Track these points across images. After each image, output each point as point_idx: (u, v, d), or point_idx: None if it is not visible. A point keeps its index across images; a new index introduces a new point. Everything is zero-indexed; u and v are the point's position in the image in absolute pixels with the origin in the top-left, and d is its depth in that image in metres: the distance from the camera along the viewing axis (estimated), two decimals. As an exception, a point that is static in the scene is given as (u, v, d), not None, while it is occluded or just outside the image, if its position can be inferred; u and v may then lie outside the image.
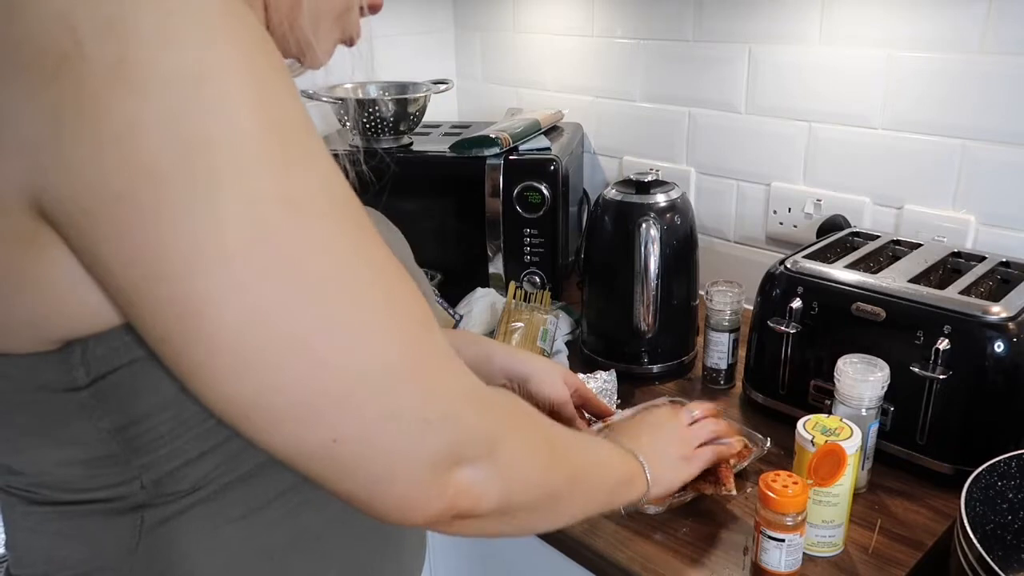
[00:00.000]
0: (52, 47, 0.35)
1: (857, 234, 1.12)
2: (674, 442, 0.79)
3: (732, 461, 0.84)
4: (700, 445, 0.81)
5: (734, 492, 0.82)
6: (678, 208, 1.09)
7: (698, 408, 0.85)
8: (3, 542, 0.54)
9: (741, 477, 0.90)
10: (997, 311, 0.83)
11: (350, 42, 0.57)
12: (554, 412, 0.87)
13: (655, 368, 1.13)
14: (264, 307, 0.37)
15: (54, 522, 0.49)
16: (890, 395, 0.85)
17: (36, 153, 0.36)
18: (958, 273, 0.97)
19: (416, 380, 0.43)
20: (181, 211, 0.36)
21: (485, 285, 1.32)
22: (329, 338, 0.39)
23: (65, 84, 0.35)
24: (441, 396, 0.44)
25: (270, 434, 0.41)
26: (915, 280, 0.93)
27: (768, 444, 0.90)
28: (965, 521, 0.66)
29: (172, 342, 0.38)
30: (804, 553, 0.77)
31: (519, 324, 1.17)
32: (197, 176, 0.36)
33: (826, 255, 1.05)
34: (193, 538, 0.49)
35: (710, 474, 0.82)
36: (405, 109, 1.34)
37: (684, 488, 0.81)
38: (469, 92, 1.80)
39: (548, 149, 1.30)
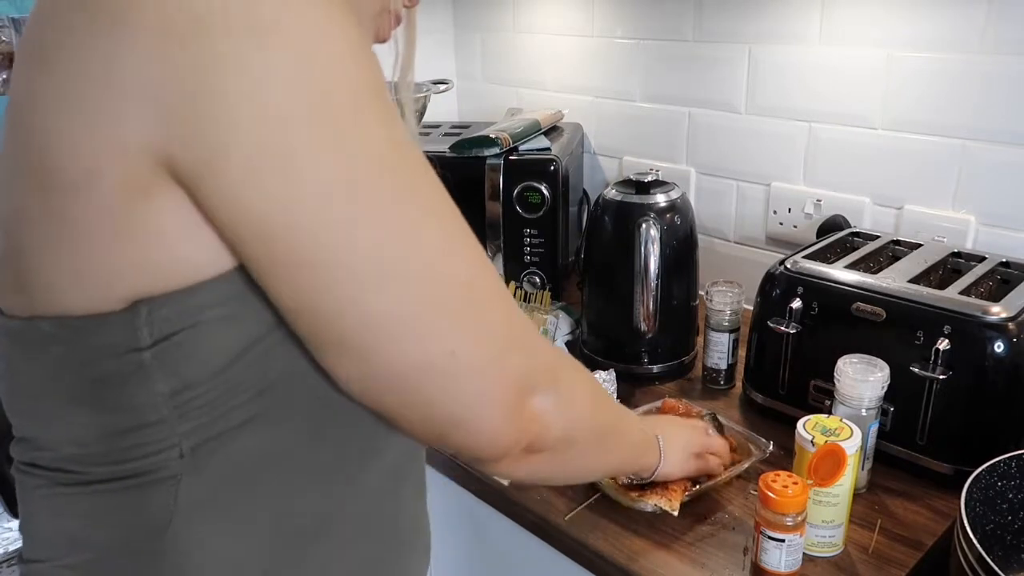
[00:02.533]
0: (188, 10, 0.39)
1: (857, 234, 1.12)
2: (690, 433, 0.84)
3: (688, 484, 0.84)
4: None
5: (675, 513, 0.81)
6: (678, 208, 1.09)
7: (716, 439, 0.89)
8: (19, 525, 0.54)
9: (742, 478, 0.90)
10: (997, 311, 0.83)
11: (382, 42, 0.60)
12: None
13: (655, 368, 1.13)
14: (389, 229, 0.43)
15: (81, 503, 0.49)
16: (890, 395, 0.85)
17: (168, 109, 0.39)
18: (958, 273, 0.97)
19: (499, 302, 0.49)
20: (314, 152, 0.41)
21: (485, 285, 1.32)
22: (440, 255, 0.45)
23: (199, 44, 0.39)
24: (516, 321, 0.50)
25: (400, 345, 0.44)
26: (915, 280, 0.93)
27: (770, 448, 0.90)
28: (965, 521, 0.66)
29: (307, 266, 0.42)
30: (804, 553, 0.77)
31: (519, 324, 1.17)
32: (324, 122, 0.41)
33: (826, 255, 1.05)
34: (224, 520, 0.49)
35: (660, 487, 0.83)
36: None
37: (640, 488, 0.84)
38: (469, 92, 1.80)
39: (548, 149, 1.30)
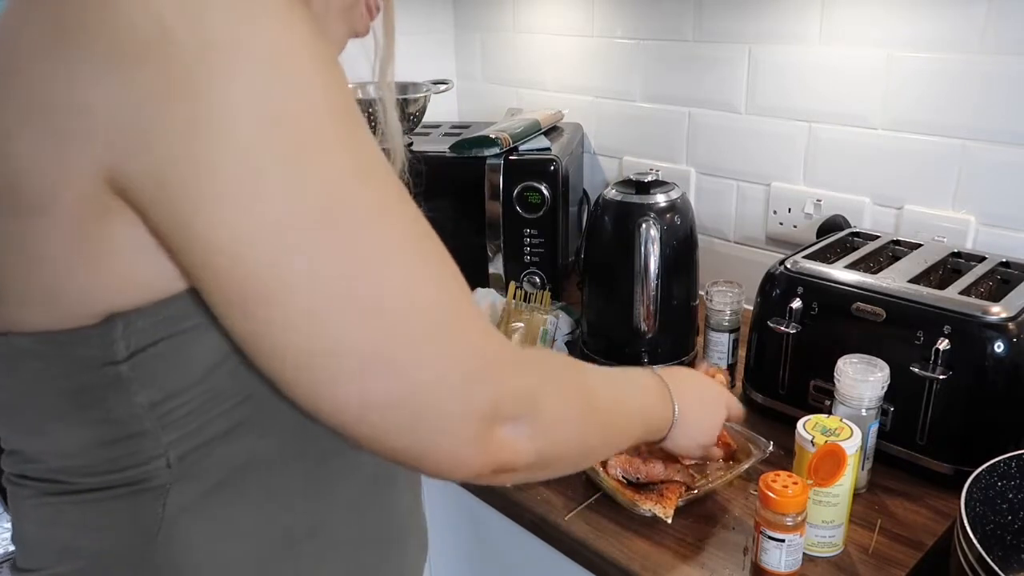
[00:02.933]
0: (138, 34, 0.37)
1: (857, 234, 1.12)
2: (708, 426, 0.80)
3: (682, 490, 0.84)
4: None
5: (668, 520, 0.81)
6: (678, 208, 1.09)
7: (734, 414, 0.85)
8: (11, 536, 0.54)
9: (742, 478, 0.90)
10: (997, 311, 0.83)
11: (357, 36, 0.59)
12: None
13: (655, 368, 1.13)
14: (344, 267, 0.41)
15: (70, 512, 0.49)
16: (890, 395, 0.85)
17: (120, 134, 0.38)
18: (958, 273, 0.97)
19: (464, 334, 0.46)
20: (270, 180, 0.39)
21: (485, 285, 1.32)
22: (399, 293, 0.43)
23: (152, 68, 0.37)
24: (484, 351, 0.47)
25: (343, 391, 0.42)
26: (915, 280, 0.92)
27: (771, 448, 0.90)
28: (965, 521, 0.66)
29: (248, 304, 0.41)
30: (804, 553, 0.77)
31: (519, 324, 1.17)
32: (284, 148, 0.39)
33: (826, 255, 1.05)
34: (213, 525, 0.49)
35: (655, 492, 0.83)
36: (405, 109, 1.34)
37: (638, 489, 0.83)
38: (469, 92, 1.80)
39: (548, 149, 1.30)
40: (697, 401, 0.79)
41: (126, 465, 0.46)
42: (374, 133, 0.46)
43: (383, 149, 0.61)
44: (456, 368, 0.45)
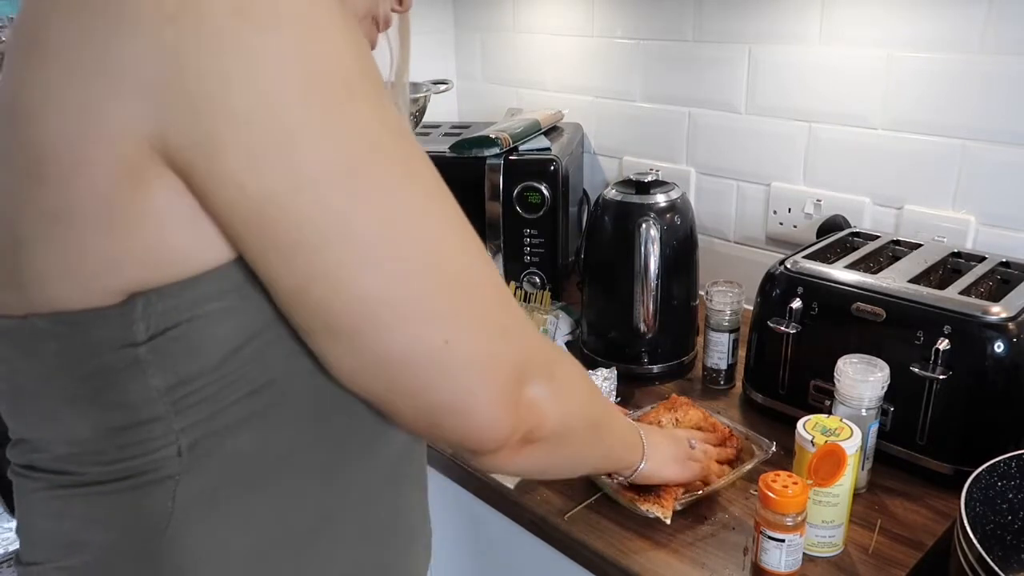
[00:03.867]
0: None
1: (857, 234, 1.12)
2: (672, 444, 0.83)
3: (681, 491, 0.84)
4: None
5: (667, 521, 0.81)
6: (678, 208, 1.09)
7: (699, 442, 0.87)
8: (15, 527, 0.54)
9: (743, 478, 0.90)
10: (997, 311, 0.83)
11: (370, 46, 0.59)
12: None
13: (655, 368, 1.13)
14: (387, 213, 0.43)
15: (78, 504, 0.48)
16: (890, 395, 0.85)
17: (162, 93, 0.39)
18: (958, 273, 0.97)
19: (500, 293, 0.49)
20: (311, 135, 0.41)
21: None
22: (438, 242, 0.45)
23: (193, 27, 0.38)
24: (515, 311, 0.50)
25: (392, 331, 0.44)
26: (915, 280, 0.92)
27: (773, 448, 0.90)
28: (965, 521, 0.66)
29: (305, 248, 0.42)
30: (804, 553, 0.77)
31: (519, 324, 1.17)
32: (321, 105, 0.41)
33: (826, 255, 1.05)
34: (222, 518, 0.49)
35: (653, 494, 0.83)
36: (405, 109, 1.35)
37: (636, 490, 0.84)
38: (469, 92, 1.80)
39: (548, 149, 1.30)
40: (654, 430, 0.85)
41: (136, 453, 0.46)
42: None
43: None
44: (487, 324, 0.47)
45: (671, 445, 0.82)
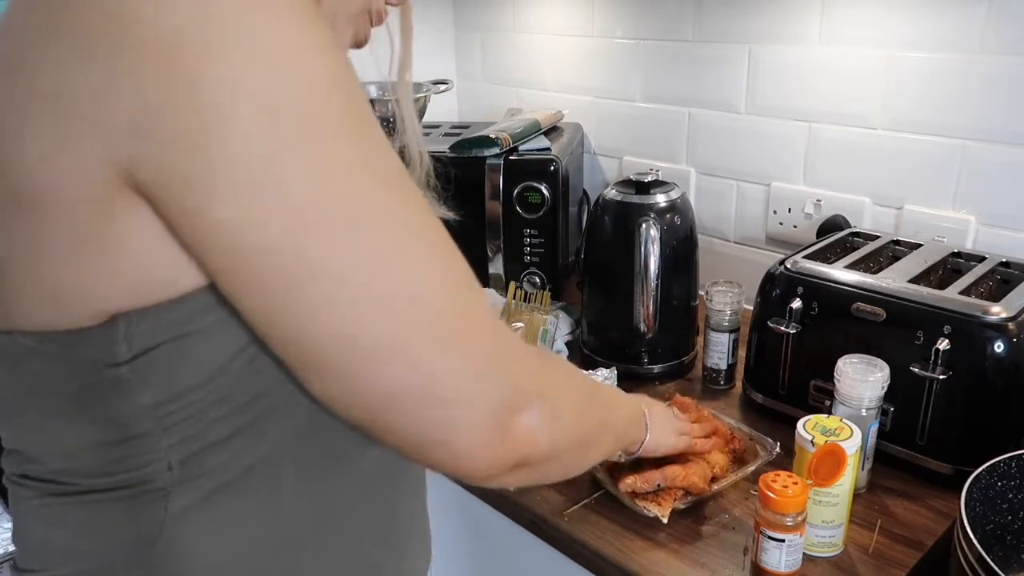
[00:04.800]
0: (144, 25, 0.37)
1: (857, 234, 1.12)
2: (671, 418, 0.84)
3: (680, 493, 0.84)
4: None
5: (664, 520, 0.82)
6: (678, 208, 1.09)
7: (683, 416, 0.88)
8: (11, 536, 0.54)
9: (744, 478, 0.90)
10: (997, 311, 0.83)
11: (359, 45, 0.59)
12: None
13: (655, 368, 1.13)
14: (369, 249, 0.42)
15: (73, 513, 0.48)
16: (890, 395, 0.85)
17: (133, 124, 0.38)
18: (958, 273, 0.97)
19: (478, 325, 0.47)
20: (286, 170, 0.39)
21: (485, 285, 1.32)
22: (413, 282, 0.43)
23: (160, 58, 0.37)
24: (498, 342, 0.48)
25: (363, 376, 0.43)
26: (915, 280, 0.92)
27: (777, 449, 0.90)
28: (965, 521, 0.66)
29: (275, 290, 0.41)
30: (804, 553, 0.77)
31: (519, 324, 1.17)
32: (297, 139, 0.40)
33: (826, 255, 1.05)
34: (213, 527, 0.49)
35: (653, 493, 0.83)
36: (406, 109, 1.34)
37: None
38: (469, 92, 1.80)
39: (548, 149, 1.30)
40: (648, 401, 0.83)
41: (127, 467, 0.46)
42: (391, 137, 0.46)
43: (400, 151, 0.61)
44: (469, 358, 0.45)
45: (669, 420, 0.83)
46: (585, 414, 0.61)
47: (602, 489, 0.88)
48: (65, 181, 0.40)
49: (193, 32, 0.38)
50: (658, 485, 0.83)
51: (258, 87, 0.39)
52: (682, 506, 0.84)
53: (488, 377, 0.46)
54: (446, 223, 0.48)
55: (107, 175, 0.40)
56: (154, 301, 0.43)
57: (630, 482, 0.82)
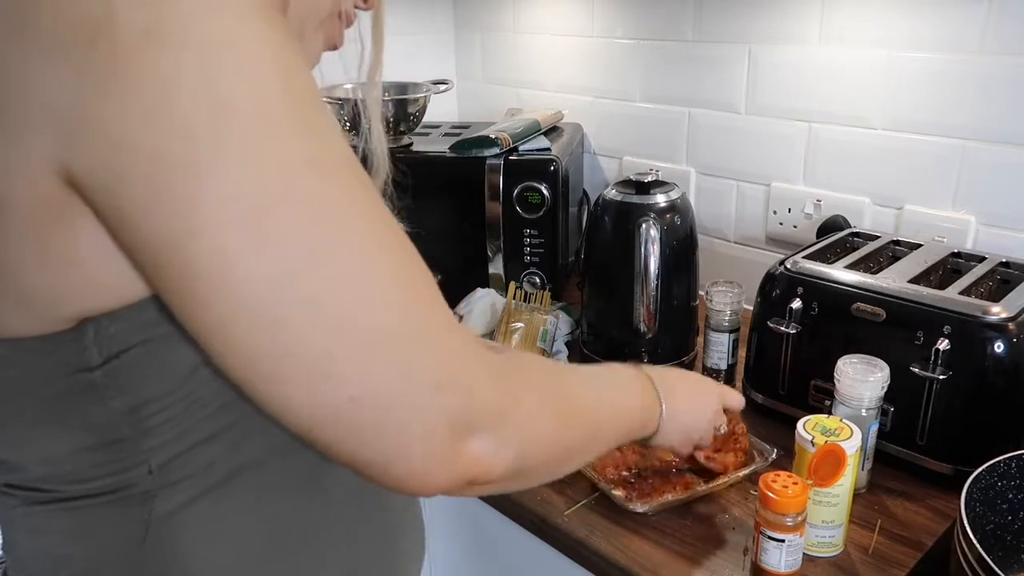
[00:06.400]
0: (85, 16, 0.36)
1: (857, 234, 1.12)
2: (699, 418, 0.79)
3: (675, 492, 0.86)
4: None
5: (642, 511, 0.83)
6: (678, 208, 1.09)
7: (732, 403, 0.84)
8: (1, 545, 0.54)
9: (745, 479, 0.90)
10: (997, 311, 0.83)
11: (333, 48, 0.58)
12: None
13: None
14: (290, 263, 0.39)
15: (58, 519, 0.48)
16: (890, 395, 0.85)
17: (67, 120, 0.37)
18: (958, 273, 0.97)
19: (428, 342, 0.43)
20: (212, 169, 0.37)
21: (485, 285, 1.32)
22: (350, 294, 0.40)
23: (98, 55, 0.36)
24: (452, 360, 0.45)
25: (290, 394, 0.41)
26: (915, 280, 0.92)
27: (773, 456, 0.90)
28: (965, 521, 0.66)
29: (197, 300, 0.39)
30: (804, 553, 0.77)
31: (519, 324, 1.17)
32: (227, 136, 0.37)
33: (826, 255, 1.05)
34: (201, 530, 0.49)
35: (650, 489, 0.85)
36: (405, 109, 1.34)
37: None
38: (469, 92, 1.80)
39: (548, 149, 1.30)
40: (686, 395, 0.77)
41: (109, 472, 0.46)
42: (354, 139, 0.44)
43: (363, 157, 0.59)
44: (404, 380, 0.42)
45: (694, 421, 0.78)
46: (566, 431, 0.56)
47: (599, 491, 0.88)
48: (16, 186, 0.39)
49: (122, 24, 0.36)
50: (634, 473, 0.84)
51: (192, 84, 0.37)
52: (681, 501, 0.84)
53: (433, 400, 0.43)
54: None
55: (50, 179, 0.38)
56: (122, 304, 0.42)
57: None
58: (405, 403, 0.42)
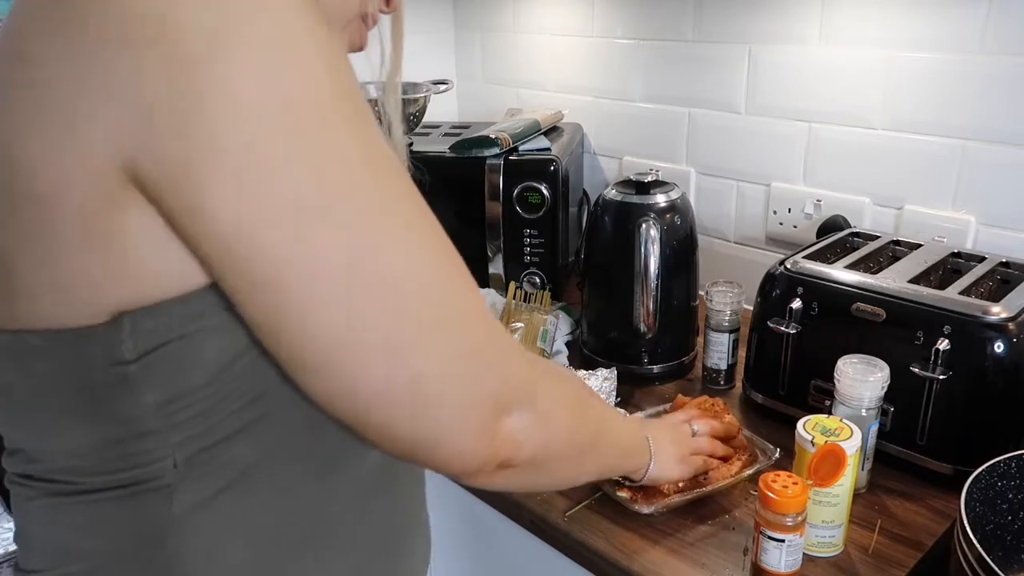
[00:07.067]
0: (146, 20, 0.38)
1: (857, 234, 1.12)
2: (676, 441, 0.84)
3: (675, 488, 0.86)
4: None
5: (645, 511, 0.84)
6: (678, 208, 1.09)
7: (700, 424, 0.88)
8: (13, 535, 0.53)
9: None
10: (997, 311, 0.83)
11: (357, 50, 0.59)
12: None
13: (655, 368, 1.13)
14: (357, 250, 0.42)
15: (75, 512, 0.48)
16: (890, 395, 0.85)
17: (132, 117, 0.39)
18: (958, 273, 0.97)
19: (478, 321, 0.48)
20: (280, 165, 0.40)
21: (485, 285, 1.32)
22: (416, 276, 0.44)
23: (160, 53, 0.38)
24: (497, 339, 0.49)
25: (356, 374, 0.43)
26: (915, 280, 0.92)
27: (776, 455, 0.90)
28: (965, 521, 0.66)
29: (270, 285, 0.41)
30: (804, 553, 0.77)
31: (519, 324, 1.17)
32: (290, 132, 0.40)
33: (826, 255, 1.05)
34: (219, 525, 0.49)
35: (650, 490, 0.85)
36: (405, 109, 1.34)
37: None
38: (469, 92, 1.80)
39: (548, 149, 1.30)
40: (656, 426, 0.85)
41: (132, 465, 0.46)
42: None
43: None
44: (461, 357, 0.46)
45: (675, 445, 0.83)
46: (579, 423, 0.61)
47: (599, 491, 0.88)
48: (71, 174, 0.40)
49: (190, 25, 0.38)
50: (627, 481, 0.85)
51: (258, 81, 0.39)
52: (683, 502, 0.84)
53: (479, 375, 0.47)
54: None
55: (110, 170, 0.40)
56: (159, 299, 0.43)
57: None
58: (463, 380, 0.46)
